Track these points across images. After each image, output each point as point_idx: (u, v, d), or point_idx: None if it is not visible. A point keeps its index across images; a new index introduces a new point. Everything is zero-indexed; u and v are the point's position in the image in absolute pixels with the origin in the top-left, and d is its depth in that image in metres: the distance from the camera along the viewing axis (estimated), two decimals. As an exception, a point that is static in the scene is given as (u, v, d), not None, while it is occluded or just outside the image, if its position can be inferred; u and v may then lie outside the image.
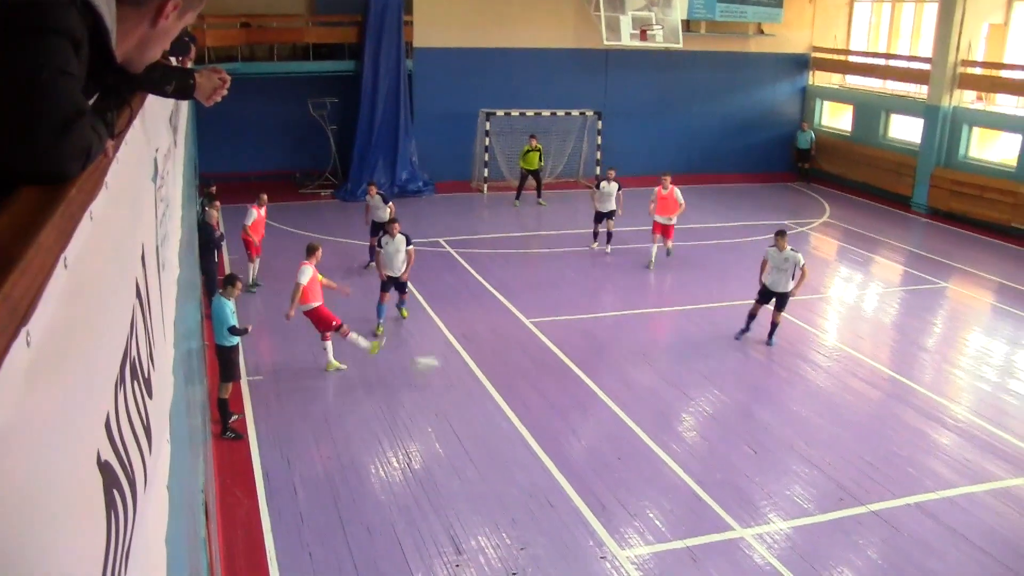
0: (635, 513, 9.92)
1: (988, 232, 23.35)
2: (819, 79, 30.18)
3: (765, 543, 9.50)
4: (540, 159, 24.45)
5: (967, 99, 25.29)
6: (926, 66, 25.64)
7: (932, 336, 16.67)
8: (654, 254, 19.04)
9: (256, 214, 16.78)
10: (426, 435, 11.58)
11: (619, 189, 19.65)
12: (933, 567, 9.31)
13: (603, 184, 19.81)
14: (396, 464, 10.81)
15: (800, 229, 23.31)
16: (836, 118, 30.06)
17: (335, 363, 13.24)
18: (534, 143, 24.36)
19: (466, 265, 18.77)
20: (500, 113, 25.50)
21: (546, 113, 25.91)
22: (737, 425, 12.33)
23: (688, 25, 27.18)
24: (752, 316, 15.03)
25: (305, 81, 24.67)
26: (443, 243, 20.32)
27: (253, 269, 16.84)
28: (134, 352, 1.80)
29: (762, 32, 28.93)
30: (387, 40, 24.10)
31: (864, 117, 28.37)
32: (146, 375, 1.99)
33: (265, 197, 17.17)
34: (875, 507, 10.29)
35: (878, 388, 13.84)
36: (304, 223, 21.30)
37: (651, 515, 9.89)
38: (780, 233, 14.95)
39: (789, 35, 29.18)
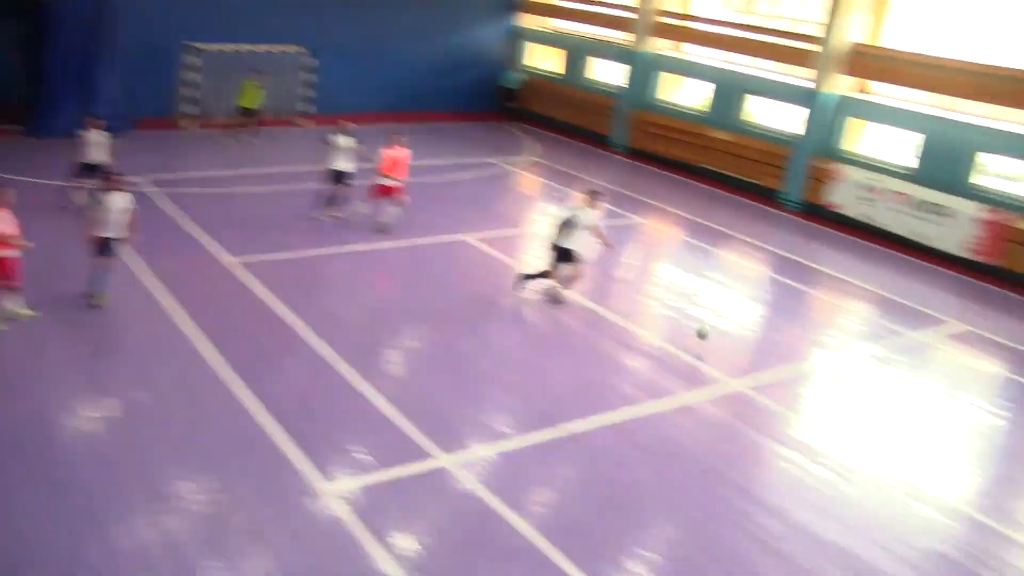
0: (341, 448, 10.00)
1: (680, 171, 25.17)
2: (528, 22, 31.06)
3: (470, 469, 9.90)
4: (259, 97, 23.66)
5: (662, 46, 26.94)
6: (630, 15, 27.10)
7: (625, 268, 17.82)
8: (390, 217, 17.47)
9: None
10: (125, 383, 11.05)
11: (358, 143, 17.51)
12: (622, 479, 10.10)
13: (338, 137, 17.32)
14: (92, 415, 10.26)
15: (506, 167, 24.08)
16: (544, 60, 31.10)
17: (26, 311, 12.20)
18: (254, 80, 23.54)
19: (171, 206, 17.86)
20: (206, 47, 24.28)
21: (256, 49, 24.90)
22: (441, 358, 12.67)
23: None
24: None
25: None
26: (143, 183, 19.22)
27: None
28: None
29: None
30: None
31: (571, 60, 29.60)
32: None
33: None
34: (570, 428, 10.98)
35: (577, 318, 14.66)
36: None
37: (356, 449, 10.01)
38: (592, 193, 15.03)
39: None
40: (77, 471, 9.11)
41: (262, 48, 24.90)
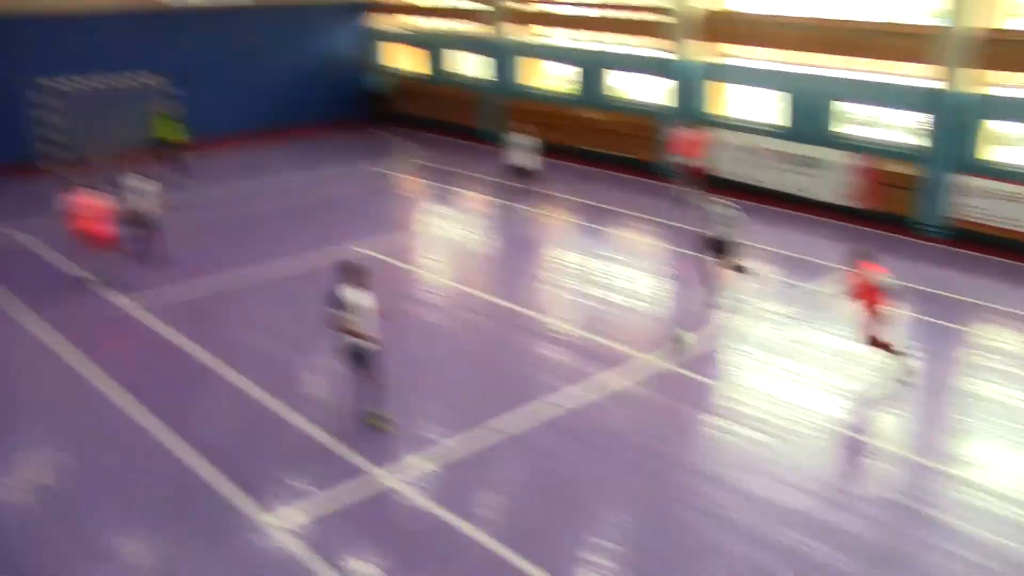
0: (277, 479, 9.77)
1: (557, 154, 25.30)
2: (381, 22, 30.73)
3: (400, 478, 9.80)
4: (176, 127, 22.28)
5: (520, 32, 27.05)
6: (483, 6, 27.13)
7: (526, 259, 17.87)
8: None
9: None
10: (49, 448, 10.54)
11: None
12: (561, 471, 10.14)
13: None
14: (13, 487, 9.71)
15: (381, 171, 23.83)
16: (403, 60, 30.84)
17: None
18: (162, 109, 22.54)
19: (52, 253, 17.01)
20: (61, 84, 23.16)
21: (113, 82, 23.93)
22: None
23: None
24: None
25: None
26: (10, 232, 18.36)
27: None
28: None
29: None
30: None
31: (431, 57, 29.46)
32: None
33: None
34: (501, 427, 10.95)
35: (483, 313, 14.61)
36: None
37: (293, 478, 9.79)
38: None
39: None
40: (9, 542, 8.63)
41: (120, 81, 23.97)
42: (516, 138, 19.87)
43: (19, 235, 18.00)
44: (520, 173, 19.85)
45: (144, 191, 15.95)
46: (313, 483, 9.71)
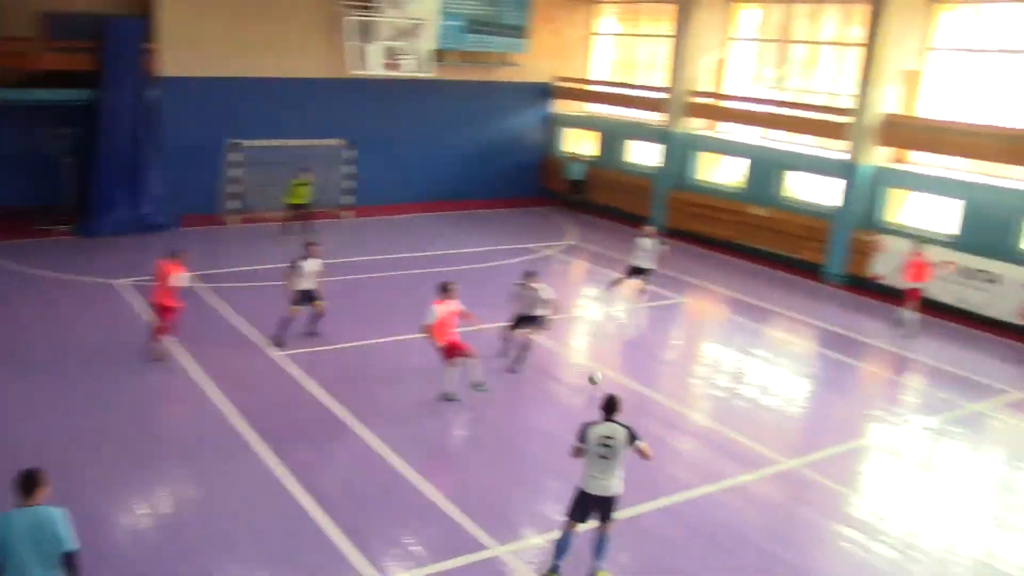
0: (393, 540, 9.95)
1: (720, 249, 25.18)
2: (562, 107, 31.57)
3: (521, 558, 9.79)
4: (308, 193, 24.12)
5: (696, 126, 27.21)
6: (663, 95, 27.45)
7: (672, 349, 17.75)
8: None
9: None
10: (180, 480, 11.15)
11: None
12: (680, 566, 9.92)
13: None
14: (141, 513, 10.31)
15: (549, 252, 24.24)
16: (579, 145, 31.49)
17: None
18: (304, 176, 24.12)
19: (217, 300, 18.16)
20: (249, 144, 24.98)
21: (298, 143, 25.63)
22: (494, 447, 12.61)
23: (438, 55, 27.75)
24: (506, 339, 15.54)
25: (39, 110, 23.13)
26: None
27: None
28: None
29: (508, 62, 29.94)
30: (126, 68, 23.04)
31: (608, 143, 29.94)
32: None
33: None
34: (622, 514, 10.82)
35: (626, 402, 14.53)
36: (38, 260, 19.98)
37: (409, 541, 9.95)
38: (528, 274, 15.59)
39: (534, 65, 30.46)
40: (127, 564, 9.14)
41: (304, 143, 25.59)
42: (643, 242, 19.74)
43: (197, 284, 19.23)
44: (639, 272, 19.78)
45: (311, 270, 16.02)
46: (429, 549, 9.85)
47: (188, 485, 11.01)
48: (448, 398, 13.69)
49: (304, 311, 16.07)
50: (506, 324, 15.63)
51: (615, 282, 20.14)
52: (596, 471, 9.02)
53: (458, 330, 13.90)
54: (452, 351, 13.68)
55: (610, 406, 9.16)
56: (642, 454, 9.11)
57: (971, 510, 11.67)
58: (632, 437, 9.00)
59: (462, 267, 21.97)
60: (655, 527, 10.64)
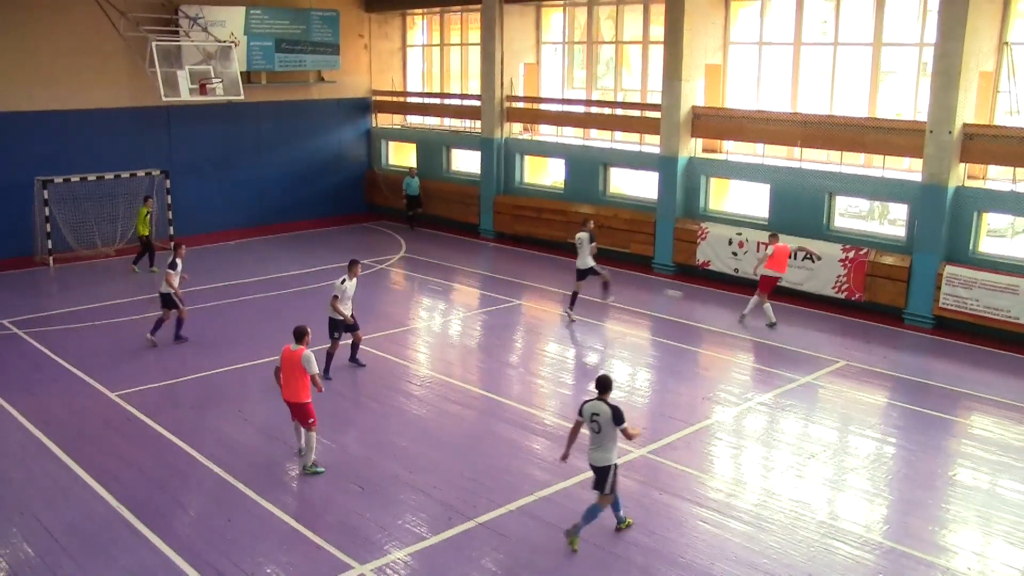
0: (252, 572, 9.48)
1: (549, 249, 25.46)
2: (381, 120, 31.34)
3: (385, 575, 9.51)
4: (149, 222, 23.24)
5: (515, 130, 27.45)
6: (478, 103, 27.56)
7: (513, 351, 17.77)
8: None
9: None
10: (9, 536, 10.28)
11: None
12: (544, 565, 9.84)
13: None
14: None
15: (380, 267, 23.91)
16: (401, 157, 31.33)
17: None
18: (147, 205, 23.20)
19: (37, 345, 17.06)
20: (59, 180, 23.64)
21: (109, 176, 24.46)
22: (341, 465, 12.25)
23: (249, 76, 27.05)
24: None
25: None
26: (7, 324, 18.37)
27: None
28: None
29: (323, 79, 29.49)
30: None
31: (431, 154, 29.83)
32: None
33: None
34: (482, 519, 10.70)
35: (471, 408, 14.46)
36: None
37: (269, 571, 9.51)
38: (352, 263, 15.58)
39: (350, 80, 30.17)
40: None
41: (112, 176, 24.52)
42: (580, 237, 18.98)
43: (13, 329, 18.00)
44: (589, 274, 19.08)
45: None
46: (284, 575, 9.45)
47: (31, 541, 10.15)
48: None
49: (172, 314, 17.04)
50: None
51: (572, 300, 19.12)
52: (591, 443, 10.14)
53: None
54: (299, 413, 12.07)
55: (600, 385, 10.12)
56: (626, 434, 9.95)
57: (812, 476, 12.12)
58: (616, 418, 9.81)
59: (292, 289, 21.40)
60: (515, 529, 10.54)
